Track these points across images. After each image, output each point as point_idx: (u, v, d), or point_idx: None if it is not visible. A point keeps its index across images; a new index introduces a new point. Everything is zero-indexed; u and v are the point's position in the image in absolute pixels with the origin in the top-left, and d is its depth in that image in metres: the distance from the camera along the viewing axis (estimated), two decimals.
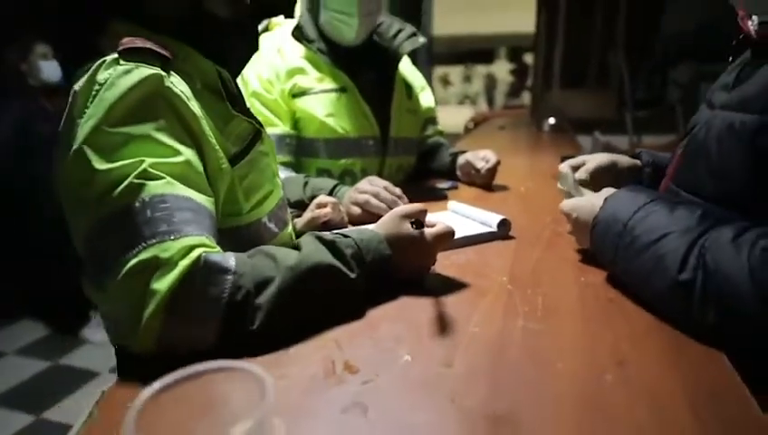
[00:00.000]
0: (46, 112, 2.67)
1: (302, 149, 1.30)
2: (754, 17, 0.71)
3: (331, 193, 1.13)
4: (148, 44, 0.65)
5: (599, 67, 4.04)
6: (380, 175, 1.36)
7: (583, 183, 0.92)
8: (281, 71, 1.26)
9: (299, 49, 1.29)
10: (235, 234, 0.75)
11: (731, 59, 0.77)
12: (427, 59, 4.33)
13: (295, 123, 1.29)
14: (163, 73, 0.63)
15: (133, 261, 0.54)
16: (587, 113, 3.83)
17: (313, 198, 1.07)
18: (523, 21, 5.33)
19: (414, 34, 1.40)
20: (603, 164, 0.96)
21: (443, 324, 0.61)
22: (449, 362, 0.53)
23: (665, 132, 3.45)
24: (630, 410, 0.45)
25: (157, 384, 0.33)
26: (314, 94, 1.28)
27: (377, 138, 1.33)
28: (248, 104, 1.23)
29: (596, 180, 0.92)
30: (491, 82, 11.76)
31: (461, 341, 0.57)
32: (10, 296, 3.04)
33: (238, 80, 1.26)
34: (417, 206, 0.74)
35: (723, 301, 0.53)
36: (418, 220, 0.72)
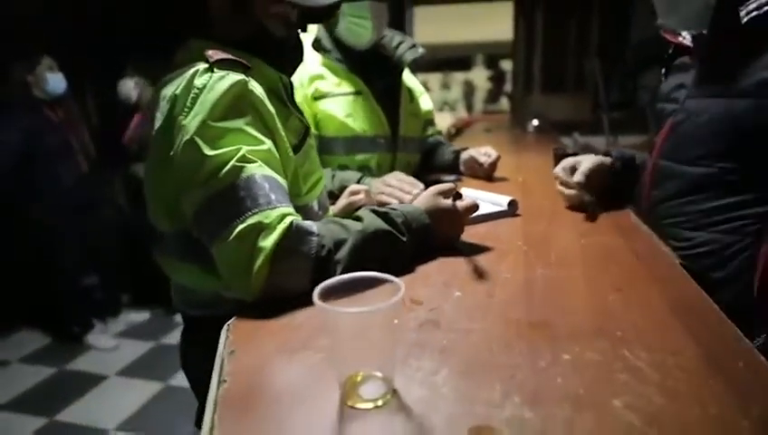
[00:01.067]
0: (51, 123, 2.75)
1: (322, 146, 1.45)
2: (685, 33, 0.92)
3: (358, 183, 1.29)
4: (229, 55, 0.80)
5: (575, 72, 4.31)
6: (392, 169, 1.52)
7: (581, 184, 1.07)
8: (304, 77, 1.42)
9: (318, 58, 1.45)
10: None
11: (664, 70, 0.98)
12: (412, 67, 4.53)
13: (316, 124, 1.45)
14: (247, 78, 0.79)
15: (242, 226, 0.69)
16: (566, 116, 4.08)
17: (342, 188, 1.24)
18: (500, 30, 5.60)
19: (414, 46, 1.58)
20: (595, 164, 1.11)
21: (479, 273, 0.77)
22: (491, 294, 0.70)
23: (637, 132, 3.72)
24: (627, 316, 0.62)
25: (327, 282, 0.49)
26: (333, 97, 1.44)
27: (388, 136, 1.49)
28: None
29: (590, 180, 1.08)
30: (469, 89, 12.10)
31: (496, 282, 0.74)
32: (10, 305, 3.09)
33: None
34: (447, 185, 0.90)
35: None
36: (458, 192, 0.88)
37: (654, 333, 0.58)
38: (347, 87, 1.45)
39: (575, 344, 0.56)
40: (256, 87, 0.81)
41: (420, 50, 1.61)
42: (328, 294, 0.50)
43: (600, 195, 1.10)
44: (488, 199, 1.16)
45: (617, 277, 0.74)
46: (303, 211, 0.93)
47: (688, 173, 0.89)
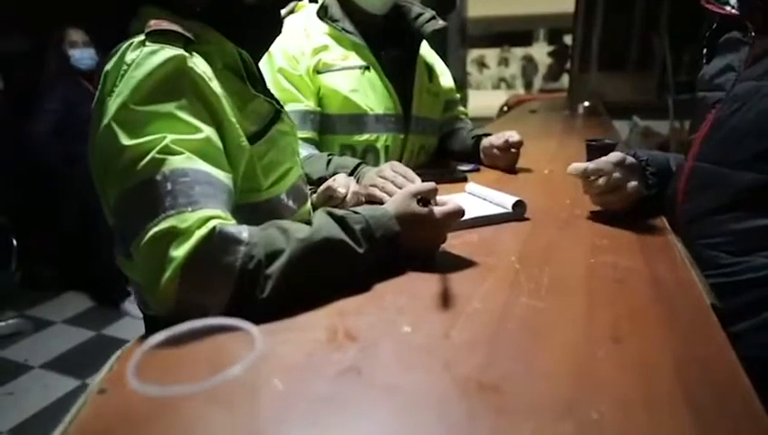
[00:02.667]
0: (90, 94, 2.78)
1: (325, 125, 1.32)
2: (732, 0, 0.71)
3: (353, 172, 1.15)
4: (174, 27, 0.69)
5: (640, 49, 3.88)
6: (402, 153, 1.37)
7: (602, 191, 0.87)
8: (306, 49, 1.29)
9: (324, 28, 1.31)
10: (254, 209, 0.79)
11: (705, 50, 0.77)
12: (459, 41, 4.26)
13: (319, 100, 1.32)
14: (186, 54, 0.67)
15: (154, 229, 0.58)
16: (626, 97, 3.71)
17: (336, 174, 1.10)
18: (564, 1, 5.17)
19: (434, 17, 1.41)
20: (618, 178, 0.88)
21: (446, 299, 0.62)
22: (447, 333, 0.55)
23: None
24: (618, 382, 0.46)
25: (159, 336, 0.36)
26: (338, 71, 1.30)
27: (399, 116, 1.34)
28: (273, 81, 1.27)
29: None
30: (529, 65, 11.47)
31: (462, 315, 0.59)
32: (55, 270, 3.23)
33: (264, 58, 1.30)
34: (428, 184, 0.75)
35: None
36: (425, 198, 0.73)
37: (647, 421, 0.41)
38: (354, 60, 1.31)
39: (529, 423, 0.41)
40: (199, 64, 0.69)
41: (441, 22, 1.43)
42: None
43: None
44: (493, 199, 0.99)
45: (620, 318, 0.57)
46: (273, 205, 0.81)
47: (733, 181, 0.69)
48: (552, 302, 0.61)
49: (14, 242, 2.81)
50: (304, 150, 1.25)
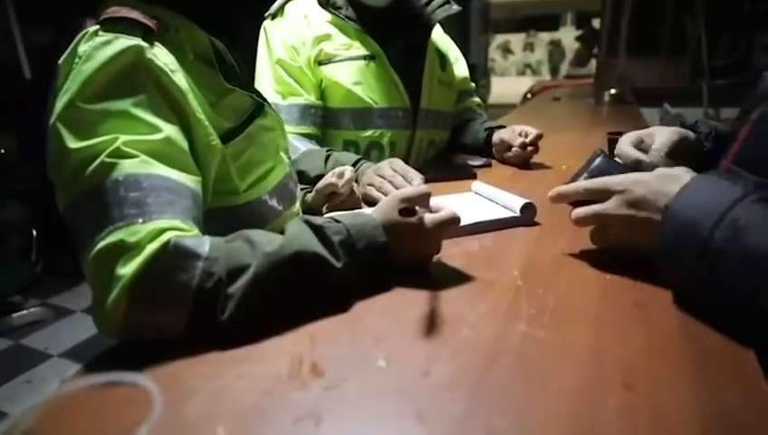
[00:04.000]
0: None
1: (327, 119, 1.24)
2: None
3: (353, 167, 1.07)
4: (133, 14, 0.62)
5: (672, 31, 3.66)
6: (410, 149, 1.29)
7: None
8: (307, 38, 1.21)
9: (326, 15, 1.22)
10: (230, 213, 0.72)
11: None
12: (481, 26, 4.11)
13: (321, 93, 1.24)
14: (144, 45, 0.60)
15: (100, 244, 0.51)
16: (657, 83, 3.51)
17: None
18: None
19: (447, 2, 1.30)
20: (674, 140, 0.77)
21: (432, 324, 0.54)
22: (427, 370, 0.47)
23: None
24: None
25: (55, 396, 0.30)
26: (341, 62, 1.21)
27: (407, 109, 1.25)
28: (272, 73, 1.19)
29: (673, 160, 0.75)
30: (556, 50, 11.10)
31: (448, 345, 0.51)
32: (74, 259, 3.26)
33: (263, 48, 1.22)
34: (418, 189, 0.66)
35: None
36: (407, 208, 0.64)
37: None
38: (358, 50, 1.22)
39: None
40: (160, 56, 0.61)
41: (455, 7, 1.33)
42: None
43: None
44: (500, 200, 0.90)
45: (636, 355, 0.48)
46: (254, 208, 0.74)
47: None
48: (556, 331, 0.52)
49: (34, 232, 2.83)
50: (302, 146, 1.18)
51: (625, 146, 0.78)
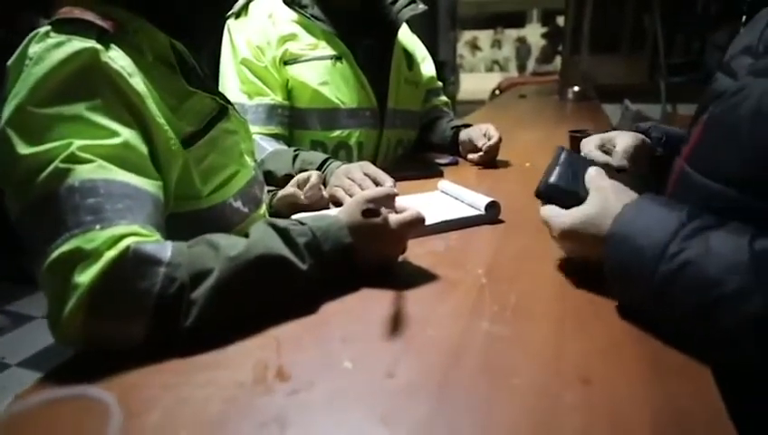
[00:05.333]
0: None
1: (294, 120, 1.23)
2: None
3: (320, 167, 1.07)
4: (87, 15, 0.60)
5: (632, 30, 3.76)
6: (378, 149, 1.29)
7: (620, 171, 0.75)
8: (272, 37, 1.19)
9: (292, 14, 1.21)
10: (194, 217, 0.71)
11: (744, 19, 0.65)
12: (449, 23, 4.13)
13: (288, 93, 1.22)
14: (98, 47, 0.58)
15: (56, 253, 0.50)
16: (618, 80, 3.61)
17: (303, 171, 1.02)
18: None
19: (413, 1, 1.31)
20: (635, 145, 0.78)
21: (397, 325, 0.55)
22: (392, 371, 0.47)
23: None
24: None
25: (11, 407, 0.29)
26: (307, 62, 1.20)
27: (374, 109, 1.25)
28: (237, 73, 1.18)
29: (636, 164, 0.77)
30: (523, 47, 11.28)
31: (413, 345, 0.51)
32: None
33: (227, 48, 1.20)
34: (383, 190, 0.67)
35: None
36: (369, 209, 0.65)
37: None
38: (324, 50, 1.21)
39: None
40: (117, 59, 0.60)
41: (421, 6, 1.33)
42: None
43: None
44: (466, 199, 0.91)
45: (592, 351, 0.49)
46: (218, 211, 0.73)
47: (706, 191, 0.58)
48: (518, 329, 0.54)
49: None
50: (269, 146, 1.17)
51: (592, 150, 0.80)
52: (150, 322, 0.51)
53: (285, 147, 1.20)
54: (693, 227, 0.50)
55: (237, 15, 1.20)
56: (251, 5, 1.22)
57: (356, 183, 0.97)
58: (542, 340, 0.51)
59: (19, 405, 0.31)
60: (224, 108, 0.76)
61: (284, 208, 0.93)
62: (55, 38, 0.57)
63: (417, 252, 0.73)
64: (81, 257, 0.50)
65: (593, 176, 0.63)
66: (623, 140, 0.80)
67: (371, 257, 0.65)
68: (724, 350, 0.47)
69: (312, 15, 1.21)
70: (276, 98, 1.19)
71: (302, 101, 1.22)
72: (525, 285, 0.63)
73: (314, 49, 1.21)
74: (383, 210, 0.66)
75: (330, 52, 1.21)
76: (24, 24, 2.56)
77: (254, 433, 0.41)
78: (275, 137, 1.20)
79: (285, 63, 1.20)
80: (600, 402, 0.42)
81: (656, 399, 0.42)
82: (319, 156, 1.12)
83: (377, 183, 0.97)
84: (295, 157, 1.11)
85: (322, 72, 1.20)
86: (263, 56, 1.18)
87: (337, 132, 1.23)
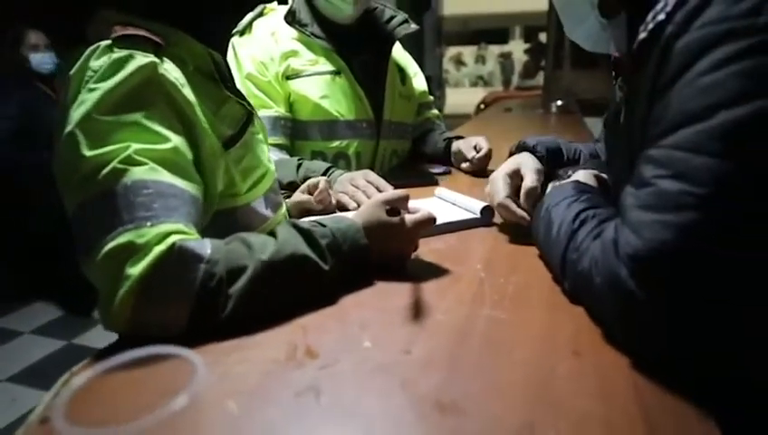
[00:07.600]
0: (50, 98, 2.69)
1: (296, 131, 1.30)
2: None
3: (323, 175, 1.14)
4: (141, 32, 0.66)
5: None
6: (374, 158, 1.36)
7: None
8: (275, 54, 1.27)
9: (293, 33, 1.29)
10: (231, 215, 0.77)
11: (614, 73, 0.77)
12: (435, 39, 4.25)
13: (290, 106, 1.30)
14: (157, 60, 0.65)
15: (111, 244, 0.56)
16: (599, 94, 3.75)
17: (306, 179, 1.08)
18: None
19: (406, 21, 1.40)
20: (539, 183, 0.87)
21: (410, 311, 0.62)
22: (408, 349, 0.54)
23: None
24: (577, 399, 0.45)
25: (95, 367, 0.35)
26: (308, 76, 1.28)
27: (371, 121, 1.33)
28: (242, 87, 1.25)
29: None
30: (506, 62, 11.56)
31: (424, 328, 0.58)
32: (23, 279, 3.12)
33: (232, 63, 1.27)
34: (398, 192, 0.74)
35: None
36: (394, 208, 0.72)
37: None
38: (324, 66, 1.29)
39: None
40: (171, 71, 0.66)
41: (413, 26, 1.42)
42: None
43: None
44: (461, 204, 0.99)
45: (582, 331, 0.57)
46: (244, 213, 0.79)
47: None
48: (515, 313, 0.61)
49: None
50: (274, 156, 1.23)
51: (501, 185, 0.88)
52: (191, 311, 0.56)
53: (288, 156, 1.26)
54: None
55: (242, 33, 1.28)
56: (255, 24, 1.29)
57: (360, 189, 1.04)
58: (538, 322, 0.59)
59: (103, 366, 0.35)
60: (250, 113, 0.83)
61: (297, 213, 0.99)
62: (119, 53, 0.63)
63: (422, 250, 0.80)
64: (133, 251, 0.55)
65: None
66: (528, 179, 0.87)
67: (387, 255, 0.72)
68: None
69: (312, 33, 1.28)
70: (280, 110, 1.26)
71: (303, 113, 1.29)
72: (520, 278, 0.70)
73: (314, 65, 1.29)
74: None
75: (329, 67, 1.29)
76: (13, 37, 2.59)
77: (294, 400, 0.47)
78: (279, 147, 1.27)
79: (288, 78, 1.27)
80: (590, 371, 0.50)
81: (638, 365, 0.50)
82: (322, 165, 1.19)
83: (379, 190, 1.04)
84: (299, 165, 1.18)
85: (323, 87, 1.28)
86: (266, 71, 1.25)
87: (336, 143, 1.30)
